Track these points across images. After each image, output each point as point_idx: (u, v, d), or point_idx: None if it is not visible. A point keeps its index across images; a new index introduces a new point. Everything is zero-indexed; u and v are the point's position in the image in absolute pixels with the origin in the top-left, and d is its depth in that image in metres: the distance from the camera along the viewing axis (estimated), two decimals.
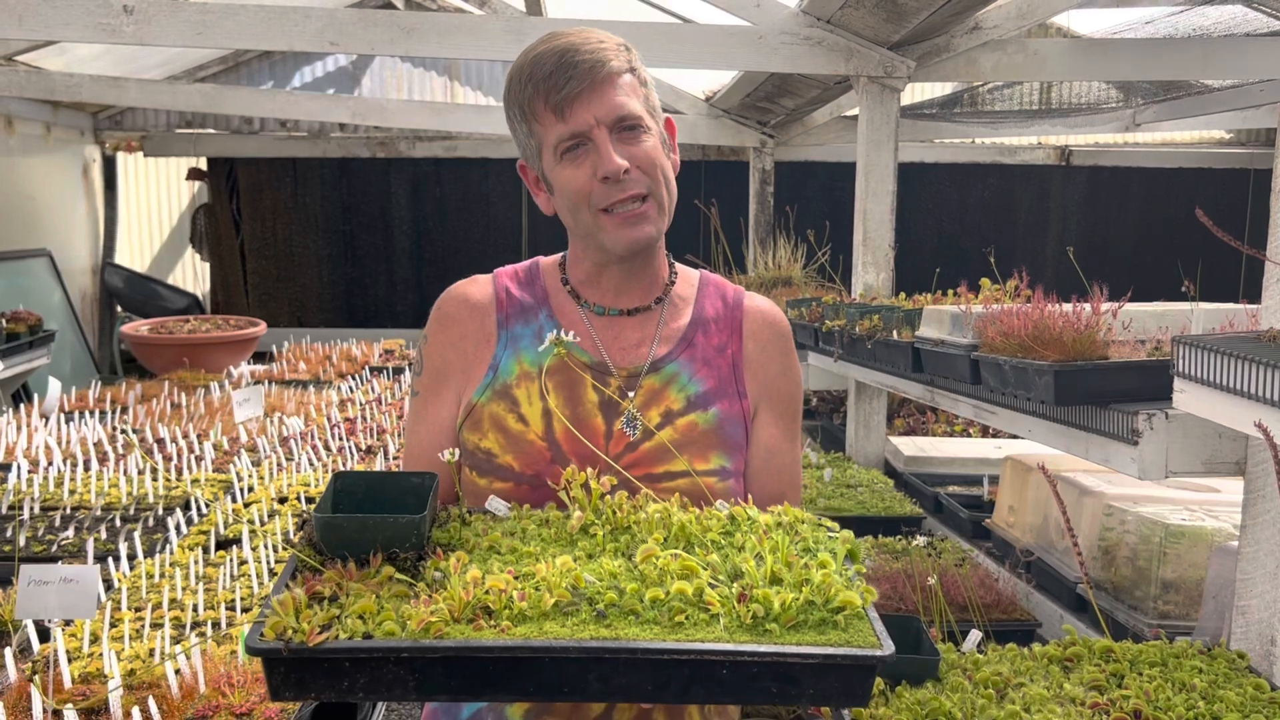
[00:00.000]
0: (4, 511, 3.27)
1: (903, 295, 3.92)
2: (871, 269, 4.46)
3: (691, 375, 1.65)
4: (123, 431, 4.37)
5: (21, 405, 4.97)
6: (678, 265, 1.75)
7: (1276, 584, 2.02)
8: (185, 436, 4.27)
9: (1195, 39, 4.72)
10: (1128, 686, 1.84)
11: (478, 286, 1.70)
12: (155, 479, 3.58)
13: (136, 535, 2.94)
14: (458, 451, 1.52)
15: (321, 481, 3.58)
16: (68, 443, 4.18)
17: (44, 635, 2.30)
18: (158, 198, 9.44)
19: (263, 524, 3.16)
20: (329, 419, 4.64)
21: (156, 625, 2.40)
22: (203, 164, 8.83)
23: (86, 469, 3.75)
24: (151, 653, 2.21)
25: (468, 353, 1.65)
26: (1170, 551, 2.77)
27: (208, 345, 6.48)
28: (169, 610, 2.47)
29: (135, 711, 1.86)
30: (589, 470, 1.50)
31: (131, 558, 2.83)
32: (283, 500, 3.41)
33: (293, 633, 1.18)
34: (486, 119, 7.41)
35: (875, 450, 4.69)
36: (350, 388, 5.53)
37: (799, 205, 7.02)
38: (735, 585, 1.29)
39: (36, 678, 1.97)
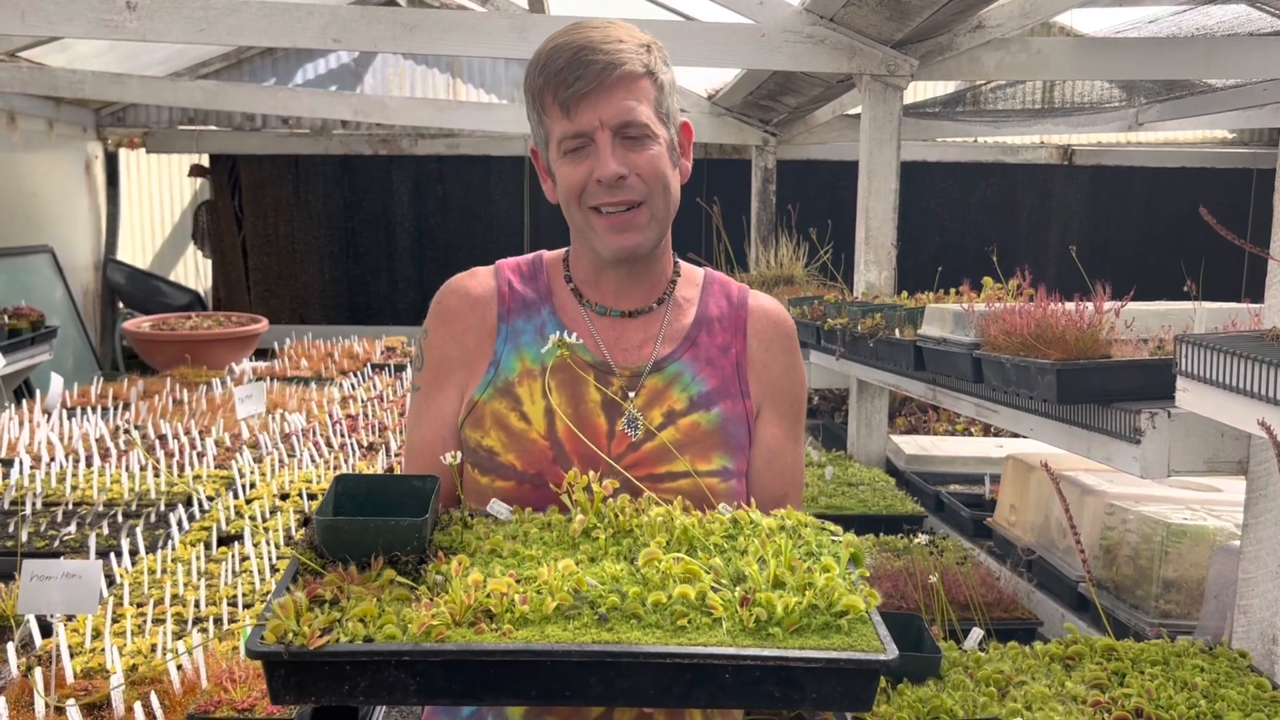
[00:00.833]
0: (6, 507, 3.28)
1: (905, 294, 3.92)
2: (874, 267, 4.46)
3: (695, 375, 1.64)
4: (126, 432, 4.37)
5: (24, 401, 4.98)
6: (682, 264, 1.74)
7: (1278, 583, 2.02)
8: (187, 433, 4.27)
9: (1199, 38, 4.71)
10: (1129, 685, 1.84)
11: (478, 280, 1.69)
12: (157, 475, 3.59)
13: (138, 531, 2.95)
14: (459, 454, 1.52)
15: (323, 478, 3.58)
16: (70, 438, 4.18)
17: (46, 630, 2.31)
18: (160, 194, 9.44)
19: (264, 520, 3.16)
20: (331, 416, 4.65)
21: (158, 621, 2.41)
22: (205, 161, 8.83)
23: (89, 465, 3.76)
24: (153, 648, 2.22)
25: (469, 347, 1.64)
26: (1172, 550, 2.77)
27: (209, 342, 6.48)
28: (171, 606, 2.47)
29: (137, 707, 1.86)
30: (591, 473, 1.50)
31: (133, 553, 2.84)
32: (284, 497, 3.41)
33: (293, 636, 1.17)
34: (489, 116, 7.41)
35: (877, 449, 4.69)
36: (352, 384, 5.53)
37: (801, 204, 7.01)
38: (738, 589, 1.29)
39: (38, 672, 1.97)
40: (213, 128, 8.60)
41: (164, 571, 2.72)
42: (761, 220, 7.50)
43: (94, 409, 4.79)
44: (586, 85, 1.50)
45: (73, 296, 7.49)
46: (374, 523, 1.33)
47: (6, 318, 5.25)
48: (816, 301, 4.57)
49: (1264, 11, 4.44)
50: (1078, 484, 3.17)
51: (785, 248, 6.27)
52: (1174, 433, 2.22)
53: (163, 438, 4.22)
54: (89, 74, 6.42)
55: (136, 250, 9.17)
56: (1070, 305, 2.49)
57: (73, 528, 3.07)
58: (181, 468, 3.79)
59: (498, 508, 1.53)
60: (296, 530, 3.06)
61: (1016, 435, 3.51)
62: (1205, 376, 1.89)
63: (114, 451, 3.99)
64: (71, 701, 1.91)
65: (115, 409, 4.89)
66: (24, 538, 2.96)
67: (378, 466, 3.88)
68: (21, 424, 4.36)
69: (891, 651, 1.20)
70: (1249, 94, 5.71)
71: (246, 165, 8.74)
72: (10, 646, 2.12)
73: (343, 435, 4.31)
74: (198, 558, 2.80)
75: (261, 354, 7.05)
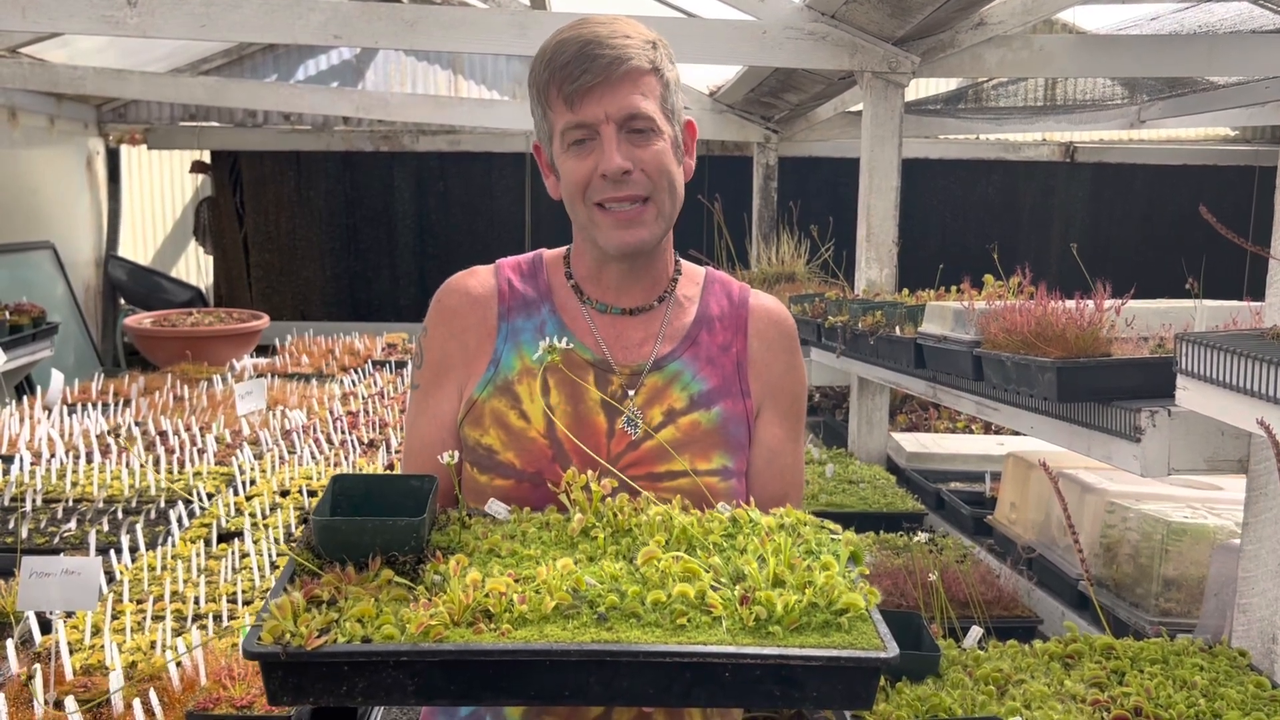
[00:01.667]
0: (6, 503, 3.28)
1: (906, 291, 3.91)
2: (875, 265, 4.46)
3: (695, 374, 1.64)
4: (126, 428, 4.37)
5: (24, 397, 4.98)
6: (683, 262, 1.74)
7: (1278, 582, 2.02)
8: (188, 429, 4.27)
9: (1201, 35, 4.70)
10: (1129, 684, 1.84)
11: (478, 279, 1.69)
12: (157, 472, 3.59)
13: (138, 528, 2.95)
14: (457, 454, 1.52)
15: (324, 475, 3.58)
16: (70, 435, 4.18)
17: (46, 627, 2.30)
18: (161, 191, 9.44)
19: (264, 517, 3.16)
20: (331, 412, 4.64)
21: (158, 618, 2.41)
22: (206, 157, 8.82)
23: (89, 461, 3.76)
24: (153, 645, 2.22)
25: (469, 346, 1.64)
26: (1172, 549, 2.77)
27: (210, 338, 6.48)
28: (170, 603, 2.47)
29: (136, 703, 1.86)
30: (590, 472, 1.50)
31: (133, 550, 2.84)
32: (285, 493, 3.41)
33: (291, 636, 1.17)
34: (490, 113, 7.40)
35: (877, 446, 4.69)
36: (353, 381, 5.53)
37: (802, 201, 7.00)
38: (738, 588, 1.29)
39: (37, 669, 1.97)
40: (214, 124, 8.59)
41: (164, 568, 2.72)
42: (763, 217, 7.50)
43: (95, 405, 4.79)
44: (593, 79, 1.49)
45: (74, 293, 7.49)
46: (371, 523, 1.33)
47: (8, 314, 5.25)
48: (817, 299, 4.56)
49: (1266, 9, 4.43)
50: (1078, 482, 3.16)
51: (786, 245, 6.26)
52: (1174, 431, 2.21)
53: (163, 434, 4.21)
54: (90, 70, 6.41)
55: (138, 246, 9.17)
56: (1071, 303, 2.49)
57: (73, 524, 3.07)
58: (182, 464, 3.79)
59: (496, 507, 1.52)
60: (297, 527, 3.06)
61: (1017, 433, 3.50)
62: (1206, 375, 1.89)
63: (114, 448, 3.99)
64: (71, 699, 1.91)
65: (116, 405, 4.89)
66: (24, 534, 2.96)
67: (378, 463, 3.88)
68: (22, 420, 4.36)
69: (892, 649, 1.20)
70: (1251, 92, 5.70)
71: (248, 161, 8.74)
72: (10, 643, 2.12)
73: (343, 432, 4.31)
74: (197, 554, 2.80)
75: (262, 350, 7.04)
